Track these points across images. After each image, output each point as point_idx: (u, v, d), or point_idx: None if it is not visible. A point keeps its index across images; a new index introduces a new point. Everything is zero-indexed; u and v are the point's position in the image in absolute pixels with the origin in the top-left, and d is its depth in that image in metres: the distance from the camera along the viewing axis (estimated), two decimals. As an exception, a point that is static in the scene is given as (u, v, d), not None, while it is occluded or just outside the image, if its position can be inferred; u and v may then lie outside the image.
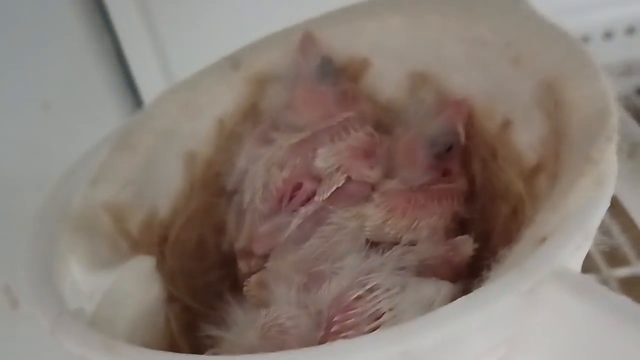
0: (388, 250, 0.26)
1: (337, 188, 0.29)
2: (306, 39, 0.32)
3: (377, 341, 0.17)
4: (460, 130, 0.29)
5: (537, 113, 0.26)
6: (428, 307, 0.22)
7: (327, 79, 0.31)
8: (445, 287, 0.23)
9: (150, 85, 0.68)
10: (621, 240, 0.58)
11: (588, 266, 0.59)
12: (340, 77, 0.32)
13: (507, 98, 0.28)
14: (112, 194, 0.27)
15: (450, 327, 0.17)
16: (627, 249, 0.58)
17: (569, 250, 0.19)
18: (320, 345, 0.18)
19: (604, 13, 0.77)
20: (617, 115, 0.23)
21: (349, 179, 0.29)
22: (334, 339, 0.22)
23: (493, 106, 0.29)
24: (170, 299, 0.27)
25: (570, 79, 0.24)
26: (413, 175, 0.29)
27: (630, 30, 0.79)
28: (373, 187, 0.29)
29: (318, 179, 0.29)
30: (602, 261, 0.59)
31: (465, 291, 0.19)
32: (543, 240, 0.19)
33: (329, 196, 0.29)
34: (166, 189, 0.31)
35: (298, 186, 0.30)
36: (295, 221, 0.29)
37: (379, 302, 0.23)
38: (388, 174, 0.30)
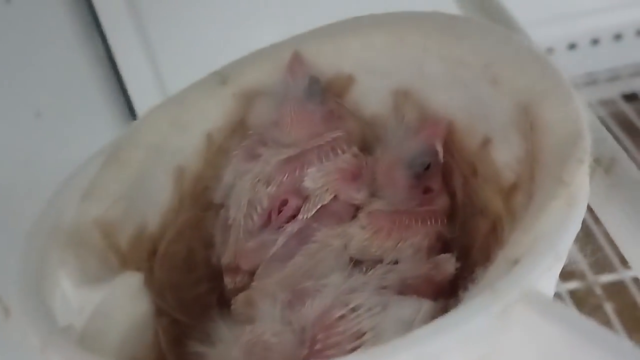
0: (371, 269, 0.27)
1: (322, 206, 0.30)
2: (295, 58, 0.32)
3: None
4: (439, 148, 0.30)
5: (514, 133, 0.27)
6: (409, 325, 0.23)
7: (315, 98, 0.32)
8: (426, 305, 0.24)
9: (142, 93, 0.68)
10: (606, 247, 0.59)
11: (573, 272, 0.61)
12: (328, 96, 0.32)
13: (486, 117, 0.29)
14: (103, 210, 0.28)
15: (425, 347, 0.18)
16: (612, 255, 0.59)
17: (540, 272, 0.20)
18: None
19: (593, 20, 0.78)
20: (588, 137, 0.24)
21: (334, 198, 0.30)
22: (316, 357, 0.23)
23: (473, 124, 0.30)
24: (159, 313, 0.28)
25: (545, 101, 0.25)
26: (395, 195, 0.30)
27: (617, 38, 0.80)
28: (358, 207, 0.30)
29: (304, 197, 0.30)
30: (587, 267, 0.61)
31: (446, 308, 0.20)
32: (515, 262, 0.20)
33: (314, 214, 0.30)
34: (156, 203, 0.32)
35: (284, 202, 0.31)
36: (281, 239, 0.29)
37: (361, 321, 0.24)
38: (371, 194, 0.30)
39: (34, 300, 0.24)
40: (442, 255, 0.28)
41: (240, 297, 0.28)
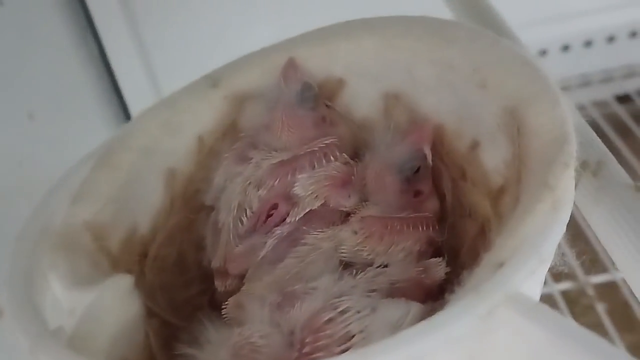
0: (361, 272, 0.27)
1: (312, 211, 0.30)
2: (290, 64, 0.33)
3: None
4: (427, 152, 0.30)
5: (502, 137, 0.27)
6: (397, 328, 0.23)
7: (307, 104, 0.32)
8: (414, 308, 0.25)
9: (136, 94, 0.68)
10: (597, 247, 0.59)
11: (565, 273, 0.61)
12: (320, 103, 0.33)
13: (474, 120, 0.29)
14: (93, 213, 0.28)
15: (412, 348, 0.18)
16: (603, 256, 0.60)
17: (524, 275, 0.20)
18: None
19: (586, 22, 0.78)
20: (574, 142, 0.24)
21: (324, 204, 0.30)
22: (305, 360, 0.23)
23: (462, 127, 0.30)
24: (150, 314, 0.28)
25: (532, 105, 0.25)
26: (386, 199, 0.30)
27: (610, 39, 0.80)
28: (348, 212, 0.30)
29: (294, 202, 0.30)
30: (579, 268, 0.61)
31: (434, 311, 0.20)
32: (500, 265, 0.20)
33: (304, 218, 0.30)
34: (147, 205, 0.32)
35: (274, 206, 0.31)
36: (271, 242, 0.30)
37: (350, 324, 0.24)
38: (362, 200, 0.31)
39: (24, 302, 0.24)
40: (432, 260, 0.28)
41: (231, 300, 0.28)
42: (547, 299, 0.61)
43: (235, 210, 0.31)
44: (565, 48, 0.80)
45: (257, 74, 0.34)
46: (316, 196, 0.30)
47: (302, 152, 0.31)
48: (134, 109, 0.68)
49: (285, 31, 0.35)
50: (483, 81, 0.28)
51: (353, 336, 0.24)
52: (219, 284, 0.31)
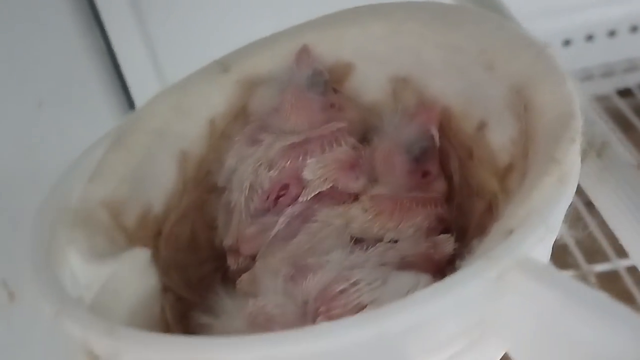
0: (372, 246, 0.28)
1: (322, 192, 0.31)
2: (303, 50, 0.33)
3: (354, 323, 0.19)
4: (434, 132, 0.31)
5: (509, 116, 0.27)
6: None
7: (317, 88, 0.33)
8: (425, 279, 0.25)
9: (141, 83, 0.69)
10: (600, 237, 0.60)
11: (568, 262, 0.62)
12: (329, 89, 0.33)
13: (482, 101, 0.30)
14: (109, 191, 0.29)
15: (422, 310, 0.19)
16: (606, 245, 0.60)
17: (533, 242, 0.21)
18: (302, 328, 0.19)
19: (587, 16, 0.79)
20: (580, 118, 0.24)
21: (333, 186, 0.31)
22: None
23: (469, 109, 0.31)
24: (165, 289, 0.29)
25: (538, 84, 0.26)
26: (394, 181, 0.31)
27: (612, 33, 0.81)
28: (357, 195, 0.31)
29: (304, 183, 0.31)
30: (581, 257, 0.62)
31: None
32: (510, 232, 0.21)
33: (315, 198, 0.31)
34: (160, 186, 0.32)
35: (284, 187, 0.31)
36: (283, 219, 0.30)
37: (362, 294, 0.25)
38: (370, 181, 0.31)
39: (46, 273, 0.24)
40: (441, 236, 0.29)
41: (245, 276, 0.29)
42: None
43: (247, 191, 0.32)
44: (567, 42, 0.81)
45: (267, 58, 0.35)
46: (325, 179, 0.31)
47: (313, 135, 0.32)
48: (139, 97, 0.69)
49: (291, 21, 0.36)
50: (490, 62, 0.29)
51: (365, 306, 0.24)
52: (232, 262, 0.31)
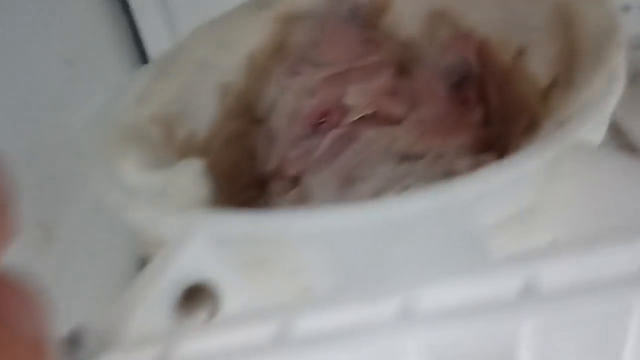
0: (417, 162, 0.29)
1: (365, 117, 0.32)
2: None
3: (425, 194, 0.20)
4: (472, 60, 0.32)
5: (552, 34, 0.28)
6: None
7: (356, 22, 0.33)
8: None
9: (156, 43, 0.70)
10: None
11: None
12: (368, 24, 0.34)
13: (521, 28, 0.31)
14: (159, 108, 0.30)
15: (487, 182, 0.20)
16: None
17: (589, 128, 0.22)
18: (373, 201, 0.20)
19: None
20: (623, 29, 0.25)
21: (375, 113, 0.32)
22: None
23: (507, 37, 0.32)
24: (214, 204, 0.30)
25: (582, 2, 0.27)
26: (435, 107, 0.32)
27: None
28: (399, 120, 0.32)
29: (345, 111, 0.32)
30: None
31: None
32: (564, 121, 0.22)
33: (357, 122, 0.31)
34: (203, 115, 0.33)
35: (325, 114, 0.32)
36: (327, 141, 0.31)
37: None
38: (412, 107, 0.32)
39: (110, 173, 0.25)
40: (484, 155, 0.30)
41: (294, 192, 0.30)
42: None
43: (289, 118, 0.33)
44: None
45: (306, -5, 0.36)
46: (368, 104, 0.32)
47: (354, 66, 0.32)
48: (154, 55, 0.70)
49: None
50: (531, -13, 0.30)
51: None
52: (276, 186, 0.32)
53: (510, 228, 0.22)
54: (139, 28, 0.67)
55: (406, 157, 0.29)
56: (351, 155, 0.30)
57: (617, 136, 0.31)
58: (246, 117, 0.35)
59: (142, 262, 0.54)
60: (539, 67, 0.30)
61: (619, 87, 0.23)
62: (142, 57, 0.69)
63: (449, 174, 0.28)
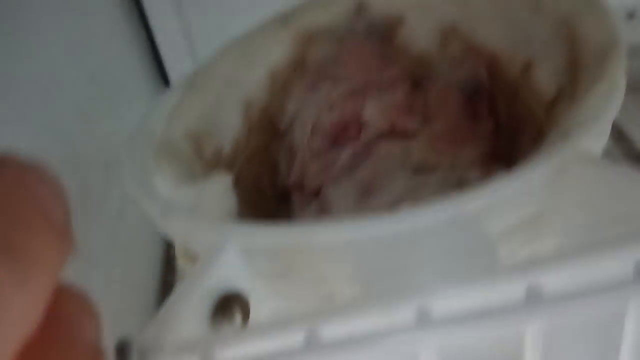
0: (432, 172, 0.30)
1: (381, 131, 0.33)
2: (362, 4, 0.36)
3: (439, 204, 0.21)
4: (483, 74, 0.33)
5: (556, 48, 0.30)
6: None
7: (373, 39, 0.35)
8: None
9: (175, 61, 0.72)
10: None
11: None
12: (385, 40, 0.36)
13: (528, 42, 0.32)
14: (191, 124, 0.32)
15: (495, 192, 0.21)
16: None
17: (590, 137, 0.23)
18: (392, 212, 0.22)
19: None
20: (624, 44, 0.27)
21: (391, 127, 0.33)
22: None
23: (515, 52, 0.33)
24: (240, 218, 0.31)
25: (584, 17, 0.29)
26: (448, 120, 0.33)
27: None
28: (413, 134, 0.33)
29: (363, 124, 0.34)
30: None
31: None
32: (567, 131, 0.24)
33: (374, 136, 0.33)
34: (228, 129, 0.35)
35: (344, 127, 0.34)
36: (346, 155, 0.33)
37: None
38: (427, 120, 0.34)
39: (146, 186, 0.27)
40: (493, 166, 0.31)
41: (314, 204, 0.31)
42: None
43: (309, 131, 0.34)
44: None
45: (324, 12, 0.37)
46: (384, 120, 0.33)
47: (371, 81, 0.34)
48: (173, 73, 0.72)
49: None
50: (537, 4, 0.31)
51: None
52: (297, 196, 0.34)
53: (518, 235, 0.24)
54: (158, 46, 0.70)
55: (420, 169, 0.31)
56: (368, 169, 0.32)
57: (621, 143, 0.33)
58: (268, 132, 0.37)
59: (165, 272, 0.56)
60: (545, 80, 0.31)
61: (619, 99, 0.25)
62: (162, 74, 0.72)
63: (461, 184, 0.29)
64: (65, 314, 0.14)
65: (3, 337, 0.11)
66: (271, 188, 0.36)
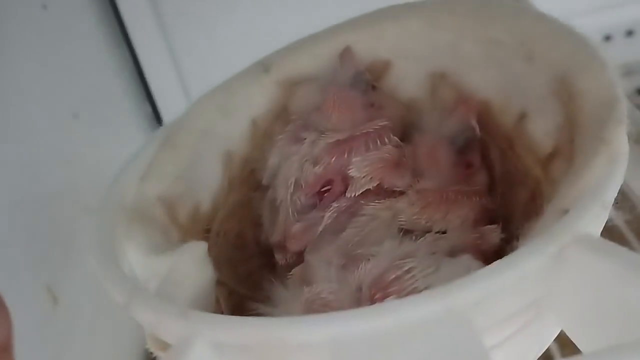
0: (420, 237, 0.28)
1: (367, 189, 0.31)
2: (346, 51, 0.34)
3: (424, 299, 0.19)
4: (474, 124, 0.32)
5: (552, 104, 0.28)
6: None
7: (359, 88, 0.33)
8: (476, 264, 0.26)
9: (165, 95, 0.71)
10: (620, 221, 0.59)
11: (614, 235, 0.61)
12: (370, 88, 0.34)
13: (522, 93, 0.30)
14: (164, 187, 0.30)
15: (489, 284, 0.19)
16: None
17: (589, 218, 0.21)
18: (372, 306, 0.20)
19: (603, 17, 0.79)
20: (625, 102, 0.25)
21: (379, 184, 0.31)
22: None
23: (509, 101, 0.32)
24: (219, 283, 0.30)
25: (581, 71, 0.27)
26: (439, 174, 0.31)
27: (630, 33, 0.81)
28: (401, 192, 0.31)
29: (349, 180, 0.32)
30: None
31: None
32: (565, 211, 0.22)
33: (360, 194, 0.31)
34: (207, 184, 0.33)
35: (328, 182, 0.32)
36: (329, 214, 0.31)
37: (417, 280, 0.25)
38: (415, 177, 0.32)
39: (112, 265, 0.25)
40: (488, 227, 0.29)
41: (297, 269, 0.30)
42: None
43: (293, 187, 0.32)
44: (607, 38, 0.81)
45: (307, 59, 0.36)
46: (371, 177, 0.31)
47: (357, 133, 0.32)
48: (164, 109, 0.70)
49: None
50: (530, 54, 0.29)
51: (420, 292, 0.25)
52: (280, 258, 0.32)
53: (514, 322, 0.22)
54: (149, 84, 0.68)
55: (409, 232, 0.29)
56: (353, 231, 0.30)
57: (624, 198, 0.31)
58: (250, 184, 0.35)
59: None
60: (540, 133, 0.29)
61: (622, 171, 0.23)
62: (154, 111, 0.70)
63: (451, 254, 0.27)
64: None
65: None
66: (254, 245, 0.35)
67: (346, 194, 0.31)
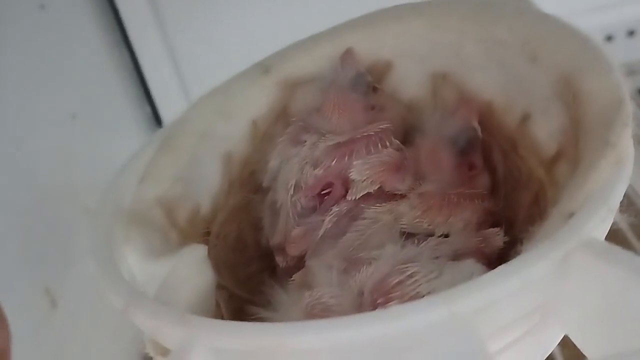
0: (423, 241, 0.28)
1: (368, 193, 0.31)
2: (347, 53, 0.34)
3: (427, 304, 0.19)
4: (476, 125, 0.31)
5: (556, 105, 0.28)
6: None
7: (359, 89, 0.33)
8: (479, 268, 0.25)
9: (165, 96, 0.70)
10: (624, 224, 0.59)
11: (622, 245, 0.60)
12: (371, 90, 0.34)
13: (525, 93, 0.30)
14: (163, 190, 0.29)
15: (493, 289, 0.19)
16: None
17: (595, 223, 0.21)
18: (374, 311, 0.20)
19: (604, 17, 0.79)
20: (630, 103, 0.25)
21: (380, 187, 0.31)
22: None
23: (512, 102, 0.31)
24: (219, 286, 0.29)
25: (586, 72, 0.26)
26: (441, 176, 0.31)
27: (631, 33, 0.81)
28: (403, 195, 0.31)
29: (349, 183, 0.31)
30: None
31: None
32: (571, 215, 0.21)
33: (361, 197, 0.31)
34: (207, 187, 0.33)
35: (329, 185, 0.32)
36: (330, 218, 0.31)
37: (419, 285, 0.25)
38: (416, 180, 0.31)
39: (111, 269, 0.25)
40: (491, 230, 0.29)
41: (298, 274, 0.29)
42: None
43: (293, 189, 0.32)
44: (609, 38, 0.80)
45: (307, 60, 0.35)
46: (372, 181, 0.31)
47: (358, 136, 0.32)
48: (163, 109, 0.70)
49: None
50: (533, 54, 0.29)
51: (423, 297, 0.25)
52: (280, 261, 0.32)
53: (518, 327, 0.22)
54: (149, 84, 0.68)
55: (411, 236, 0.29)
56: (354, 235, 0.29)
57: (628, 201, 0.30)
58: (250, 186, 0.35)
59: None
60: (544, 135, 0.29)
61: (627, 175, 0.23)
62: (153, 112, 0.69)
63: (455, 257, 0.27)
64: None
65: None
66: (254, 247, 0.34)
67: (347, 197, 0.31)
